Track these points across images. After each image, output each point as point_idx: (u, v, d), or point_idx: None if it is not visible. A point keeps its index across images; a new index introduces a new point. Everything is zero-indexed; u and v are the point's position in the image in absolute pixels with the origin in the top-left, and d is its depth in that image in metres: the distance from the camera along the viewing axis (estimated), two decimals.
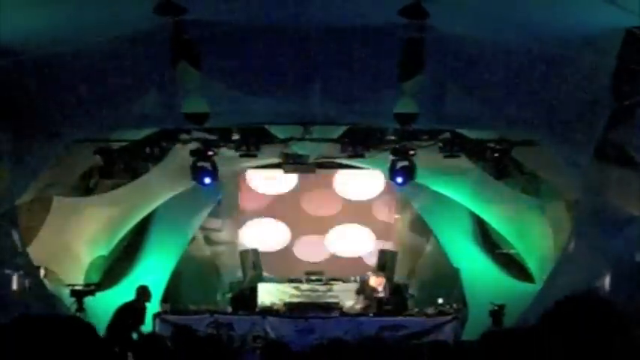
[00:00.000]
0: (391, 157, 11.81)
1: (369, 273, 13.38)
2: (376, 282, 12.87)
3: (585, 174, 9.56)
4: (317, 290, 13.09)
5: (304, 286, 13.16)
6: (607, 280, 9.26)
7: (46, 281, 10.91)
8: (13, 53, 7.72)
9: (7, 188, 8.99)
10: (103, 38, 7.94)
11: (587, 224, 10.10)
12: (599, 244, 9.63)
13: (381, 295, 12.74)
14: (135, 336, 10.45)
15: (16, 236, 9.66)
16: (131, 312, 10.80)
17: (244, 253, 14.32)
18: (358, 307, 12.72)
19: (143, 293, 11.22)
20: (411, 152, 11.63)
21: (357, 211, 14.95)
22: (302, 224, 14.93)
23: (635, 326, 1.96)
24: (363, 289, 12.97)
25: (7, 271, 9.44)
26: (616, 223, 9.38)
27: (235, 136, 11.67)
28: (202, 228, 14.67)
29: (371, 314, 12.37)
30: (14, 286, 9.62)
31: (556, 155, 10.21)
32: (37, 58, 7.98)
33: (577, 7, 7.28)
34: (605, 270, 9.31)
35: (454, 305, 12.68)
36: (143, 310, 11.03)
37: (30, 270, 10.05)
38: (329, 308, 12.46)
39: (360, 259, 14.94)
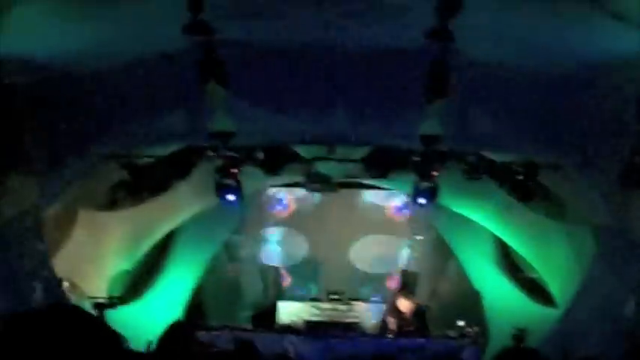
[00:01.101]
0: (414, 178, 11.82)
1: (399, 295, 13.31)
2: (405, 306, 12.83)
3: (610, 199, 9.52)
4: (338, 309, 13.08)
5: (325, 305, 13.15)
6: (631, 306, 9.18)
7: (69, 294, 11.03)
8: (46, 69, 7.88)
9: (33, 201, 9.14)
10: (133, 56, 8.10)
11: (611, 249, 10.03)
12: (622, 269, 9.57)
13: (406, 318, 12.71)
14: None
15: (41, 248, 9.78)
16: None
17: (266, 271, 14.37)
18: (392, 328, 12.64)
19: None
20: (435, 174, 11.63)
21: (380, 230, 14.95)
22: (325, 240, 14.93)
23: None
24: (393, 311, 12.92)
25: (32, 283, 9.55)
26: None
27: (259, 155, 11.76)
28: (225, 244, 14.76)
29: (391, 335, 12.33)
30: (38, 298, 9.73)
31: (581, 179, 10.18)
32: (68, 75, 8.14)
33: (602, 32, 7.29)
34: (628, 295, 9.23)
35: (475, 328, 12.60)
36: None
37: (53, 282, 10.16)
38: (349, 328, 12.44)
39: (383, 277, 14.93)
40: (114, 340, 1.75)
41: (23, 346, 1.64)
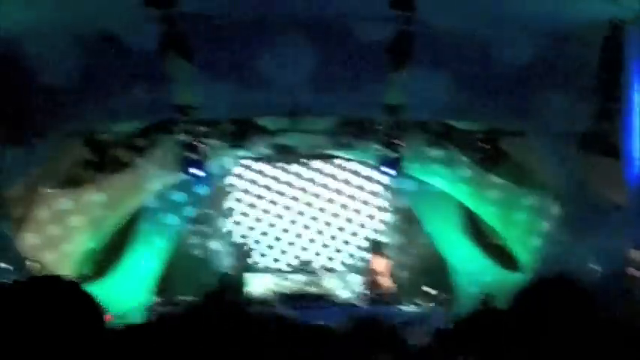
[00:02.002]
0: (379, 148, 11.88)
1: (374, 256, 13.47)
2: (381, 265, 13.03)
3: (571, 164, 9.69)
4: (307, 281, 13.17)
5: (294, 277, 13.23)
6: (593, 268, 9.39)
7: (35, 274, 10.93)
8: (4, 47, 7.73)
9: None
10: (92, 30, 7.97)
11: (574, 214, 10.23)
12: (585, 233, 9.77)
13: (386, 279, 12.91)
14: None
15: (6, 229, 9.67)
16: None
17: (234, 244, 14.37)
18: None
19: None
20: (399, 143, 11.69)
21: (348, 200, 15.02)
22: (293, 211, 14.96)
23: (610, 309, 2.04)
24: (366, 273, 13.12)
25: None
26: (601, 212, 9.51)
27: (224, 128, 11.69)
28: (192, 219, 14.69)
29: (362, 304, 12.48)
30: (4, 279, 9.63)
31: (543, 145, 10.33)
32: (26, 52, 7.99)
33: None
34: (591, 258, 9.44)
35: (443, 295, 12.80)
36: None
37: (19, 262, 10.06)
38: (319, 299, 12.54)
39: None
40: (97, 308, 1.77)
41: (15, 316, 1.64)
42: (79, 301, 1.74)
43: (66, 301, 1.72)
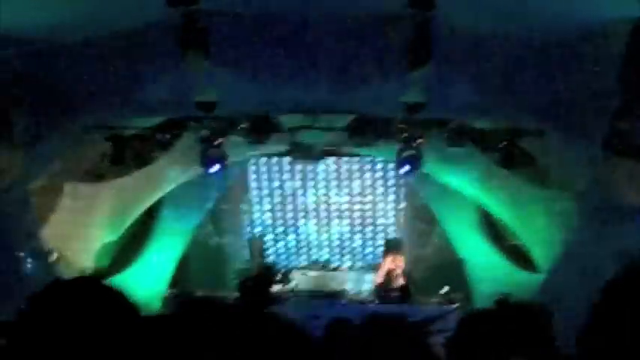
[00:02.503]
0: (398, 146, 11.87)
1: (388, 255, 13.46)
2: (394, 263, 13.01)
3: (592, 165, 9.62)
4: (323, 277, 13.21)
5: (311, 273, 13.27)
6: (612, 272, 9.31)
7: (57, 265, 11.06)
8: (26, 41, 7.82)
9: (20, 173, 9.12)
10: (115, 26, 8.04)
11: (593, 216, 10.16)
12: (604, 235, 9.69)
13: (400, 278, 12.90)
14: None
15: (29, 220, 9.80)
16: None
17: (252, 240, 14.45)
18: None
19: None
20: (418, 141, 11.68)
21: (364, 198, 15.03)
22: (308, 208, 15.00)
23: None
24: (381, 274, 13.12)
25: (20, 254, 9.58)
26: (622, 214, 9.43)
27: (243, 125, 11.75)
28: (210, 215, 14.80)
29: (376, 302, 12.49)
30: (26, 270, 9.77)
31: (563, 146, 10.26)
32: (49, 47, 8.08)
33: None
34: (610, 261, 9.37)
35: (458, 295, 12.78)
36: None
37: (43, 253, 10.20)
38: (334, 296, 12.57)
39: None
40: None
41: (56, 318, 1.69)
42: (117, 300, 1.79)
43: (105, 300, 1.77)
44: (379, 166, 14.60)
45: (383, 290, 12.99)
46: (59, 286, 1.80)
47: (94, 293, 1.78)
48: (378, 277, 13.18)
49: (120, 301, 1.80)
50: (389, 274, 12.98)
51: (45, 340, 1.68)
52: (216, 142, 11.68)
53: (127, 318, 1.77)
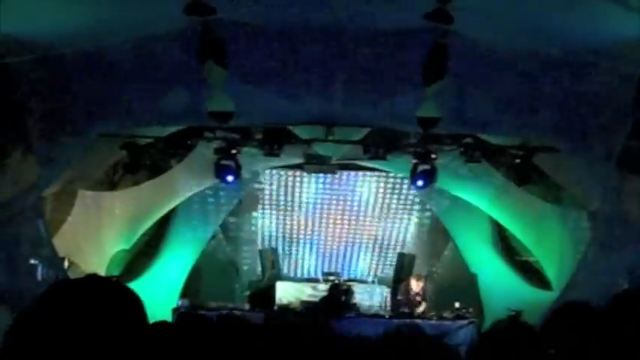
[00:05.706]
0: (413, 161, 11.86)
1: (411, 277, 13.42)
2: (418, 286, 12.96)
3: (606, 183, 9.56)
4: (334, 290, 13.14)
5: (322, 286, 13.24)
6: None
7: (69, 273, 11.09)
8: (46, 48, 7.89)
9: (34, 180, 9.17)
10: (131, 36, 8.10)
11: (607, 233, 10.09)
12: (617, 253, 9.62)
13: (419, 299, 12.83)
14: None
15: (41, 227, 9.83)
16: None
17: (263, 252, 14.44)
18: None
19: None
20: (433, 156, 11.67)
21: (377, 212, 15.00)
22: (322, 221, 14.98)
23: None
24: (404, 292, 13.06)
25: (32, 261, 9.61)
26: (635, 232, 9.37)
27: (258, 136, 11.79)
28: (223, 225, 14.81)
29: (387, 316, 12.43)
30: (39, 277, 9.79)
31: (577, 163, 10.21)
32: (66, 55, 8.15)
33: (601, 15, 7.30)
34: (623, 279, 9.30)
35: (470, 310, 12.70)
36: None
37: (55, 260, 10.22)
38: (347, 309, 12.52)
39: None
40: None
41: (65, 315, 1.69)
42: (127, 298, 1.80)
43: (114, 299, 1.78)
44: (393, 179, 14.58)
45: (397, 304, 12.92)
46: (66, 285, 1.80)
47: (102, 292, 1.78)
48: (400, 294, 13.13)
49: (129, 301, 1.80)
50: (412, 296, 12.91)
51: (45, 340, 1.68)
52: (231, 153, 11.72)
53: (135, 318, 1.77)
